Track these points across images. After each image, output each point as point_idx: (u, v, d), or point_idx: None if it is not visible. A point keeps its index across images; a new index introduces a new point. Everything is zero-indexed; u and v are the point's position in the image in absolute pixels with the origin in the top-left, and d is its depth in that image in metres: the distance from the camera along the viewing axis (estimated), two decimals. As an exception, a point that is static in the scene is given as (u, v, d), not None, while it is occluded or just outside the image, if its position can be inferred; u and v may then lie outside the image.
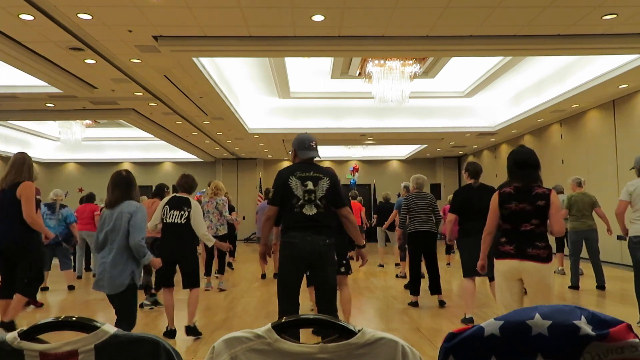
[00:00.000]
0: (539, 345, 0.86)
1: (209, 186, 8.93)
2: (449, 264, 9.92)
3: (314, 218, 3.29)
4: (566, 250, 8.11)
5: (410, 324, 5.10)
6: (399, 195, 14.37)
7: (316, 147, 3.50)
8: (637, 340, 0.82)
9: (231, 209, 8.12)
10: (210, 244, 4.81)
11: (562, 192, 7.95)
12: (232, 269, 9.90)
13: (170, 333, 4.54)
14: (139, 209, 3.43)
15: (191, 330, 4.57)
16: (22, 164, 4.25)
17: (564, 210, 6.92)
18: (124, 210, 3.39)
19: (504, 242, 3.20)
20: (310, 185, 3.33)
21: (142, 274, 6.22)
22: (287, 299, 3.35)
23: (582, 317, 0.85)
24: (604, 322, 0.84)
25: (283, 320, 0.96)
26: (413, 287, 6.00)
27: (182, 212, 4.52)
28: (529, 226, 3.13)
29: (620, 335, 0.82)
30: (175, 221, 4.51)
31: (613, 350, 0.83)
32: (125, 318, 3.43)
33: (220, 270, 7.50)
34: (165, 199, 4.68)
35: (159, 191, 6.42)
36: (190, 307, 4.61)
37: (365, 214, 10.41)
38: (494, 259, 3.28)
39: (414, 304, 5.90)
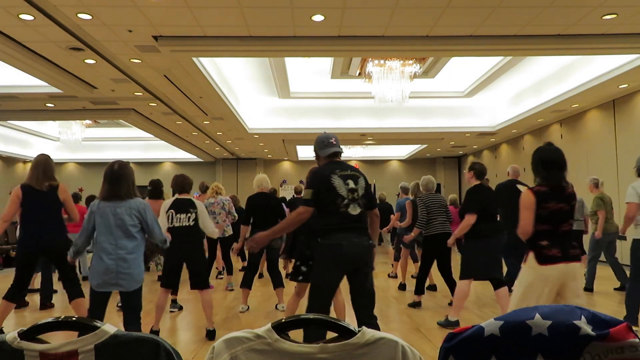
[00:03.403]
0: (539, 346, 0.86)
1: (200, 189, 8.90)
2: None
3: (358, 218, 3.15)
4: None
5: (410, 324, 5.10)
6: (398, 195, 14.37)
7: (337, 143, 3.37)
8: (637, 340, 0.82)
9: (239, 211, 7.98)
10: (215, 236, 4.86)
11: None
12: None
13: (154, 334, 4.54)
14: (148, 205, 3.43)
15: (211, 334, 4.54)
16: (50, 166, 4.33)
17: (602, 211, 6.53)
18: (135, 206, 3.32)
19: (548, 245, 3.02)
20: (351, 183, 3.19)
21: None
22: (324, 306, 3.12)
23: (582, 317, 0.85)
24: (604, 322, 0.84)
25: (283, 320, 0.96)
26: (420, 286, 5.85)
27: (189, 214, 4.51)
28: (567, 227, 3.06)
29: (620, 335, 0.82)
30: (183, 224, 4.50)
31: (613, 350, 0.83)
32: (137, 315, 3.37)
33: (229, 271, 7.50)
34: (168, 203, 4.63)
35: (157, 190, 6.21)
36: (206, 310, 4.57)
37: None
38: (538, 265, 3.01)
39: (417, 304, 5.83)
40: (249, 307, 5.82)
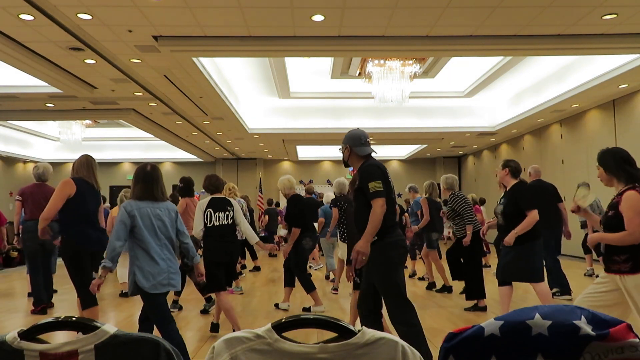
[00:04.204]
0: (539, 345, 0.86)
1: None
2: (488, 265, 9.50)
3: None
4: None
5: (410, 324, 5.09)
6: (400, 195, 14.35)
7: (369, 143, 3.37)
8: (637, 340, 0.82)
9: (250, 212, 7.93)
10: (254, 241, 4.74)
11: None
12: (259, 269, 9.64)
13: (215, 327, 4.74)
14: (177, 209, 3.46)
15: (215, 327, 4.73)
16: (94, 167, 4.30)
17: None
18: (169, 207, 3.34)
19: None
20: (391, 181, 3.25)
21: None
22: (407, 306, 3.07)
23: (582, 317, 0.85)
24: (604, 322, 0.84)
25: (283, 320, 0.96)
26: (476, 291, 5.66)
27: (227, 213, 4.56)
28: None
29: (620, 335, 0.82)
30: (222, 223, 4.53)
31: (613, 350, 0.83)
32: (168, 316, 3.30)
33: (235, 276, 7.51)
34: (204, 203, 4.59)
35: (189, 188, 6.00)
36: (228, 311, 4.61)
37: None
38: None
39: (482, 308, 5.62)
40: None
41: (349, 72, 9.62)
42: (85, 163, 4.22)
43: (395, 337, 0.94)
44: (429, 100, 11.96)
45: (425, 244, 7.36)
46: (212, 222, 4.50)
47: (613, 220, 2.89)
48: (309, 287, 5.65)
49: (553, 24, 6.13)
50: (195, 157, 17.66)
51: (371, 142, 3.39)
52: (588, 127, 10.62)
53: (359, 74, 9.45)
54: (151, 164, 3.41)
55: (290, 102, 11.80)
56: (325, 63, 9.18)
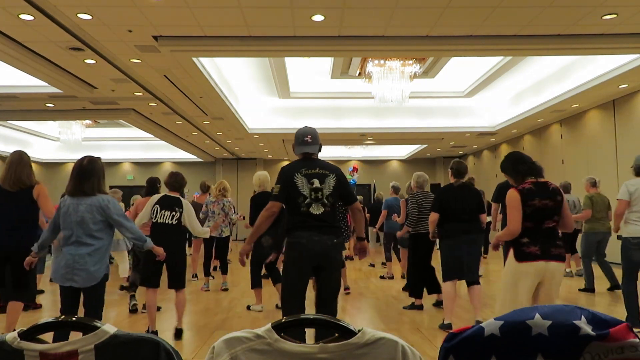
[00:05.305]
0: (539, 345, 0.86)
1: (200, 188, 8.87)
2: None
3: (321, 217, 3.17)
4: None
5: (410, 324, 5.10)
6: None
7: (313, 141, 3.33)
8: (637, 340, 0.82)
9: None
10: (207, 236, 4.73)
11: (569, 192, 7.68)
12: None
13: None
14: (113, 201, 3.31)
15: (180, 333, 4.58)
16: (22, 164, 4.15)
17: (588, 210, 6.67)
18: (96, 203, 3.23)
19: (527, 242, 3.04)
20: (316, 183, 3.21)
21: (131, 272, 6.15)
22: (295, 304, 3.19)
23: (582, 317, 0.85)
24: (604, 322, 0.84)
25: (283, 320, 0.96)
26: (418, 290, 5.80)
27: (174, 213, 4.48)
28: (551, 223, 3.02)
29: (620, 335, 0.82)
30: (166, 222, 4.46)
31: (613, 350, 0.83)
32: (95, 311, 3.29)
33: (224, 271, 7.49)
34: (155, 198, 4.62)
35: (152, 188, 5.99)
36: (179, 309, 4.59)
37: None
38: (516, 262, 3.08)
39: (419, 307, 5.72)
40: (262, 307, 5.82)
41: (349, 72, 9.63)
42: (7, 163, 4.09)
43: (395, 337, 0.94)
44: (429, 100, 11.96)
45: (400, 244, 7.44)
46: (156, 219, 4.50)
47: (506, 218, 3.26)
48: (254, 283, 5.70)
49: (553, 24, 6.13)
50: (195, 157, 17.66)
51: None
52: (588, 127, 10.62)
53: (359, 74, 9.45)
54: (89, 157, 3.34)
55: (290, 102, 11.80)
56: (325, 63, 9.18)
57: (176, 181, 4.69)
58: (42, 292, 6.81)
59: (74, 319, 0.98)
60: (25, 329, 0.97)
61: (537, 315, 0.86)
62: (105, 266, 3.29)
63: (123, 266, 7.15)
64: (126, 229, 3.33)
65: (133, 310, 5.68)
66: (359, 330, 0.93)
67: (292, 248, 3.21)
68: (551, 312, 0.86)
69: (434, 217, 4.79)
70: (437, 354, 0.93)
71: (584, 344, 0.84)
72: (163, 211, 4.49)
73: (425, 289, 5.83)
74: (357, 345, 0.92)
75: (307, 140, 3.33)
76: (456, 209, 4.70)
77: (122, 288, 7.28)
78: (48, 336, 0.99)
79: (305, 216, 3.17)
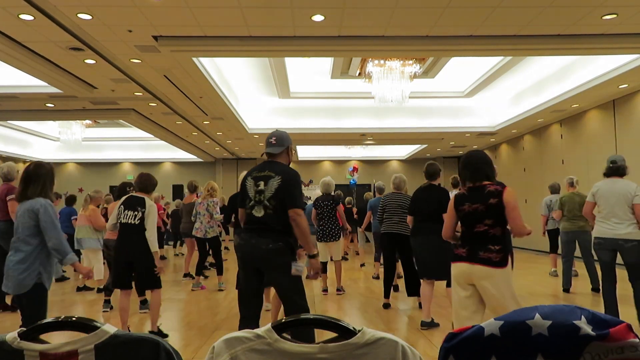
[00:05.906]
0: (539, 345, 0.86)
1: (188, 188, 8.83)
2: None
3: (261, 220, 3.12)
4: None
5: (410, 324, 5.10)
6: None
7: (278, 143, 3.29)
8: (637, 340, 0.82)
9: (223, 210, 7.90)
10: (153, 250, 4.43)
11: (558, 192, 7.89)
12: (206, 277, 8.72)
13: None
14: (46, 206, 3.15)
15: (156, 335, 4.53)
16: None
17: (557, 211, 6.99)
18: (29, 206, 3.14)
19: (459, 245, 3.11)
20: (261, 185, 3.17)
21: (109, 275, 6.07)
22: (242, 303, 3.33)
23: (582, 317, 0.85)
24: (604, 322, 0.84)
25: (283, 320, 0.96)
26: (385, 289, 5.93)
27: (136, 213, 4.45)
28: (482, 227, 2.98)
29: (620, 335, 0.82)
30: (129, 221, 4.45)
31: (613, 350, 0.83)
32: (29, 320, 3.10)
33: (219, 271, 7.48)
34: (122, 199, 4.63)
35: (122, 192, 5.83)
36: (152, 309, 4.49)
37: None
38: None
39: (386, 306, 5.85)
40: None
41: (349, 72, 9.63)
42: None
43: (395, 337, 0.94)
44: (429, 100, 11.96)
45: None
46: (119, 219, 4.51)
47: None
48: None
49: (553, 24, 6.13)
50: (195, 157, 17.65)
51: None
52: (588, 127, 10.62)
53: (359, 74, 9.45)
54: (37, 162, 3.28)
55: (290, 102, 11.80)
56: (325, 63, 9.18)
57: (141, 182, 4.69)
58: None
59: (74, 319, 0.98)
60: (25, 328, 0.97)
61: (537, 315, 0.86)
62: (35, 274, 3.09)
63: (98, 267, 6.75)
64: (49, 237, 3.11)
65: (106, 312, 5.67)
66: (359, 330, 0.93)
67: (236, 250, 3.32)
68: (551, 312, 0.86)
69: (409, 218, 5.12)
70: (437, 354, 0.93)
71: (584, 344, 0.84)
72: (127, 211, 4.49)
73: (406, 290, 5.90)
74: (357, 345, 0.92)
75: (271, 142, 3.33)
76: (422, 210, 4.93)
77: (79, 289, 7.27)
78: (48, 336, 0.99)
79: (249, 218, 3.19)
